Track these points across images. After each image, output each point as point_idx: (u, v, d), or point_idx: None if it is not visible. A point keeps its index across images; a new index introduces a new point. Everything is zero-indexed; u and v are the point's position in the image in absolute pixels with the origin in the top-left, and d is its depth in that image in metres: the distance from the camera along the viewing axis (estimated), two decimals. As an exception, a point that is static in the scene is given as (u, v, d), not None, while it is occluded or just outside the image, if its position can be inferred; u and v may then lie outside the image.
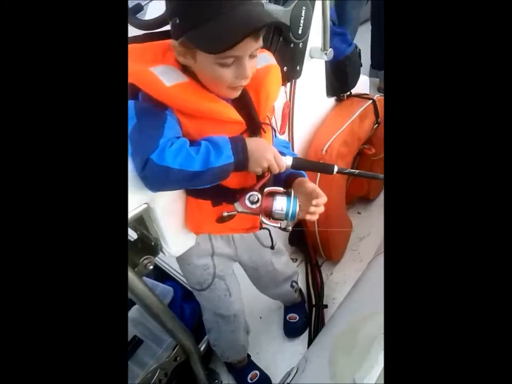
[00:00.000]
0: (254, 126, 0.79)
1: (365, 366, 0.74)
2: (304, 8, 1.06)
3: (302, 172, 0.90)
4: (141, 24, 1.08)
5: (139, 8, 1.14)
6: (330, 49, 1.25)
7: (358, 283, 1.07)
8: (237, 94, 0.76)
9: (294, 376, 0.86)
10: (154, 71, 0.70)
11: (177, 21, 0.67)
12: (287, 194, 0.82)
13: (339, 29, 1.44)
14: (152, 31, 0.76)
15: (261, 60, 0.78)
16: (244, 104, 0.78)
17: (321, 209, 0.83)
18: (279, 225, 0.83)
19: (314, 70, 1.31)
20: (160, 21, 1.00)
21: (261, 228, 0.94)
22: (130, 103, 0.72)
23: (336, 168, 0.87)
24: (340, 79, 1.45)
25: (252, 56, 0.70)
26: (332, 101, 1.50)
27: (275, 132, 0.93)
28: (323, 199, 0.82)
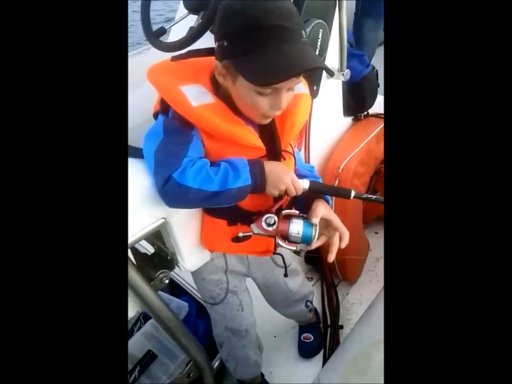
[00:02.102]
0: (275, 153, 0.80)
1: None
2: (321, 30, 1.09)
3: (326, 198, 0.89)
4: (164, 46, 1.13)
5: (162, 31, 1.19)
6: (347, 70, 1.27)
7: (373, 305, 1.05)
8: (267, 121, 0.77)
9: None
10: (184, 89, 0.71)
11: (225, 44, 0.68)
12: (304, 218, 0.83)
13: (356, 50, 1.46)
14: (196, 49, 0.77)
15: (295, 88, 0.78)
16: (268, 130, 0.79)
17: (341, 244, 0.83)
18: (294, 248, 0.83)
19: (331, 90, 1.33)
20: (181, 44, 1.05)
21: (275, 253, 0.94)
22: (160, 119, 0.75)
23: (353, 193, 0.86)
24: (357, 99, 1.47)
25: (289, 89, 0.72)
26: (349, 120, 1.52)
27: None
28: (346, 237, 0.82)
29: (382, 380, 0.72)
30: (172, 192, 0.70)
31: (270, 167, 0.76)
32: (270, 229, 0.82)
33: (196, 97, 0.71)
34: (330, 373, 0.90)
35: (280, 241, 0.82)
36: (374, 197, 0.96)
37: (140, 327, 1.36)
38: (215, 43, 0.71)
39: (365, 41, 2.15)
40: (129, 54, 1.64)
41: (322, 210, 0.82)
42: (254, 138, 0.76)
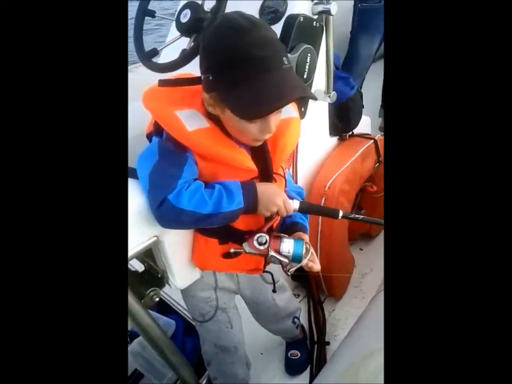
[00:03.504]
0: (266, 175, 0.82)
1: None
2: (309, 54, 1.13)
3: (306, 227, 0.93)
4: (156, 67, 1.16)
5: (155, 52, 1.21)
6: (334, 92, 1.32)
7: (359, 321, 1.07)
8: (258, 144, 0.79)
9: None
10: (179, 114, 0.73)
11: (210, 78, 0.70)
12: (294, 238, 0.86)
13: (342, 73, 1.52)
14: (184, 78, 0.79)
15: (284, 111, 0.80)
16: (260, 153, 0.81)
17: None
18: (287, 260, 0.85)
19: (318, 111, 1.38)
20: (174, 65, 1.08)
21: (264, 271, 0.96)
22: (155, 141, 0.77)
23: (341, 213, 0.90)
24: (342, 120, 1.52)
25: (278, 112, 0.74)
26: (334, 140, 1.56)
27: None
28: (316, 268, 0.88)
29: None
30: (166, 214, 0.71)
31: (262, 188, 0.78)
32: (262, 247, 0.84)
33: (190, 122, 0.73)
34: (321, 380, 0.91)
35: (273, 253, 0.84)
36: (361, 217, 1.00)
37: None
38: (201, 75, 0.73)
39: (360, 57, 2.19)
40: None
41: (306, 238, 0.88)
42: (246, 161, 0.78)
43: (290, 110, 0.86)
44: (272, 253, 0.84)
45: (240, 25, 0.66)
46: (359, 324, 1.08)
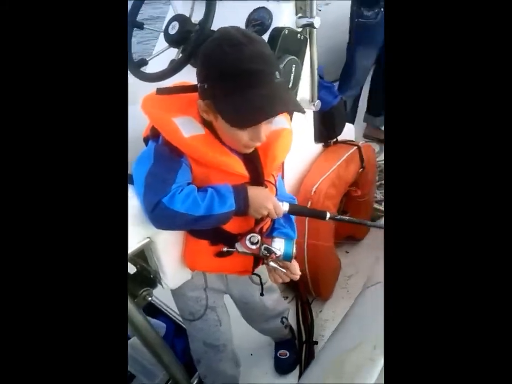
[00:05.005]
0: (257, 181, 0.87)
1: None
2: (294, 65, 1.19)
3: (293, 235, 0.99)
4: (145, 77, 1.20)
5: (144, 62, 1.26)
6: (318, 100, 1.38)
7: (345, 318, 1.12)
8: (249, 151, 0.84)
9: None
10: (176, 121, 0.77)
11: (206, 86, 0.75)
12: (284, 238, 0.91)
13: (326, 83, 1.58)
14: (181, 86, 0.84)
15: (276, 122, 0.85)
16: (252, 160, 0.86)
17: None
18: (279, 251, 0.89)
19: (303, 118, 1.44)
20: (162, 75, 1.13)
21: (253, 273, 1.01)
22: (151, 145, 0.81)
23: (328, 215, 0.95)
24: (327, 127, 1.58)
25: (268, 121, 0.78)
26: (319, 146, 1.62)
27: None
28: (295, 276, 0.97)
29: (356, 380, 0.79)
30: (161, 216, 0.76)
31: (253, 191, 0.83)
32: (254, 247, 0.88)
33: (187, 128, 0.77)
34: (307, 382, 0.95)
35: (265, 245, 0.88)
36: (347, 218, 1.06)
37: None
38: (198, 83, 0.78)
39: (357, 68, 2.28)
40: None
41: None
42: (239, 167, 0.83)
43: (282, 121, 0.91)
44: (264, 245, 0.88)
45: (238, 41, 0.71)
46: (344, 321, 1.13)
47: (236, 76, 0.71)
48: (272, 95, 0.73)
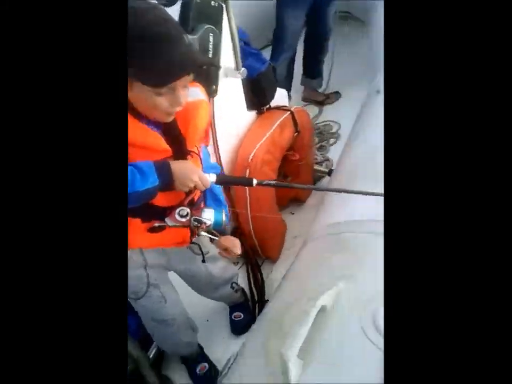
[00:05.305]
0: (181, 154, 0.89)
1: (289, 341, 0.85)
2: (211, 34, 1.19)
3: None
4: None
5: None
6: (243, 68, 1.40)
7: (285, 276, 1.18)
8: (170, 118, 0.85)
9: (234, 360, 0.95)
10: None
11: None
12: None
13: (252, 49, 1.60)
14: None
15: (192, 94, 0.87)
16: (173, 134, 0.87)
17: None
18: (210, 220, 0.93)
19: (232, 87, 1.46)
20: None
21: (191, 242, 1.04)
22: None
23: (255, 181, 0.98)
24: (257, 94, 1.60)
25: (184, 86, 0.80)
26: (253, 114, 1.65)
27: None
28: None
29: (292, 331, 0.84)
30: None
31: (176, 165, 0.84)
32: (183, 219, 0.91)
33: None
34: (252, 334, 1.01)
35: (195, 216, 0.92)
36: (274, 182, 1.10)
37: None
38: None
39: (287, 30, 2.29)
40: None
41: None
42: (159, 143, 0.84)
43: (198, 93, 0.93)
44: (193, 217, 0.91)
45: (138, 7, 0.72)
46: (285, 278, 1.19)
47: (144, 39, 0.73)
48: (184, 53, 0.76)
